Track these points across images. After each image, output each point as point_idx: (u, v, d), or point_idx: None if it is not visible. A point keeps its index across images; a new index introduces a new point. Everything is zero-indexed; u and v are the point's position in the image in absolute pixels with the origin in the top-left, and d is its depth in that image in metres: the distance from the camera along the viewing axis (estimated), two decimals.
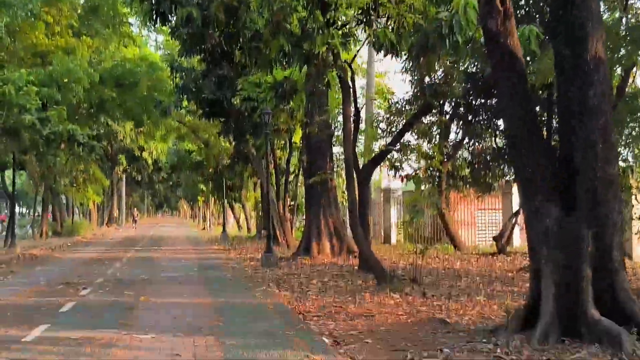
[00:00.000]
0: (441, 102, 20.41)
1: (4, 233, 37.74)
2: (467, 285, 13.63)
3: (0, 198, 52.49)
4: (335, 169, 22.40)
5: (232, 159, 34.57)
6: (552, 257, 7.70)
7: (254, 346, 7.68)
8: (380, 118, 22.97)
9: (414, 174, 16.04)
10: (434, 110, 20.36)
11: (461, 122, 22.74)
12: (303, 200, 30.51)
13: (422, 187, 13.63)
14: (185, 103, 29.26)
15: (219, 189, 40.99)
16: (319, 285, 14.06)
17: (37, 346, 7.81)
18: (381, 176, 35.05)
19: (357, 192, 15.81)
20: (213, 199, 49.72)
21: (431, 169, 23.47)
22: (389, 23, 12.79)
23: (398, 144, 18.36)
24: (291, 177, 30.17)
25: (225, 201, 39.40)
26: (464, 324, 9.39)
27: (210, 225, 52.82)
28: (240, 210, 46.70)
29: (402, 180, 21.51)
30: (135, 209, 56.52)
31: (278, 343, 7.85)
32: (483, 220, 29.99)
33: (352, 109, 14.31)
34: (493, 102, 22.11)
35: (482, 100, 21.79)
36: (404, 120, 20.66)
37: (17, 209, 65.05)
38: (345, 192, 21.77)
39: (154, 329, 8.89)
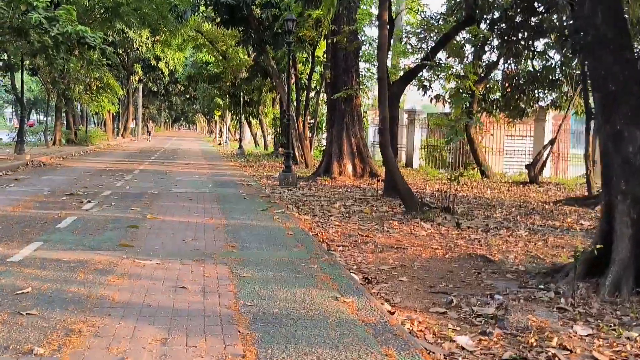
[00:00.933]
0: (480, 16, 18.67)
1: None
2: (503, 217, 12.45)
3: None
4: (360, 86, 20.84)
5: (251, 72, 33.02)
6: (631, 190, 6.42)
7: (272, 280, 6.59)
8: (409, 34, 21.30)
9: (454, 91, 14.56)
10: (470, 27, 18.64)
11: (499, 41, 21.07)
12: (324, 118, 29.21)
13: (460, 107, 12.22)
14: (202, 8, 27.49)
15: (236, 104, 39.62)
16: (342, 209, 12.98)
17: (23, 269, 6.77)
18: (405, 97, 33.33)
19: None
20: (230, 114, 48.39)
21: (462, 90, 22.04)
22: None
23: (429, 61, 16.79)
24: (312, 94, 28.66)
25: (242, 116, 38.06)
26: (510, 264, 8.25)
27: (226, 141, 51.70)
28: (257, 126, 45.44)
29: (431, 101, 20.14)
30: (150, 121, 55.15)
31: (299, 278, 6.76)
32: (511, 147, 28.63)
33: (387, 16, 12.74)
34: (535, 20, 20.41)
35: (525, 17, 20.04)
36: (436, 37, 19.03)
37: (34, 116, 64.42)
38: (367, 113, 20.34)
39: (158, 253, 7.84)
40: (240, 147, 34.99)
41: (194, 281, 6.51)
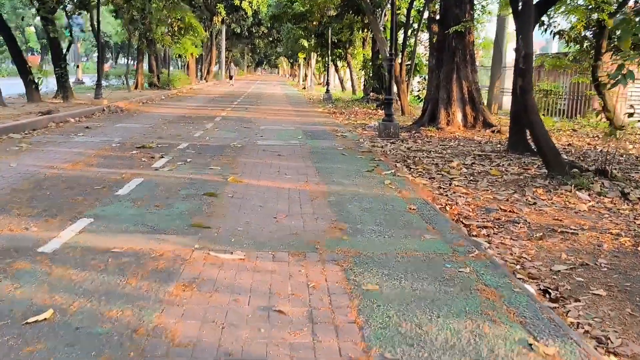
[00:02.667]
0: None
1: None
2: None
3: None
4: (474, 21, 17.85)
5: (341, 9, 30.26)
6: None
7: (413, 300, 4.31)
8: None
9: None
10: None
11: None
12: (423, 60, 26.37)
13: (629, 40, 9.30)
14: None
15: (322, 45, 37.07)
16: (463, 170, 10.51)
17: (54, 267, 4.76)
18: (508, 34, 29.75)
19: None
20: (315, 56, 45.86)
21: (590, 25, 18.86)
22: None
23: None
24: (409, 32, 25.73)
25: (329, 58, 35.48)
26: None
27: (310, 85, 49.42)
28: (345, 69, 42.85)
29: (553, 37, 17.13)
30: (232, 64, 53.18)
31: (453, 297, 4.44)
32: (637, 93, 24.86)
33: None
34: None
35: None
36: None
37: (122, 60, 63.79)
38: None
39: (242, 239, 5.70)
40: (328, 91, 32.60)
41: (294, 297, 4.31)
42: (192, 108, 23.59)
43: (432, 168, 10.52)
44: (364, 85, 33.13)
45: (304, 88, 50.84)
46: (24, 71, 21.38)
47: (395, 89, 24.04)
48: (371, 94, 29.28)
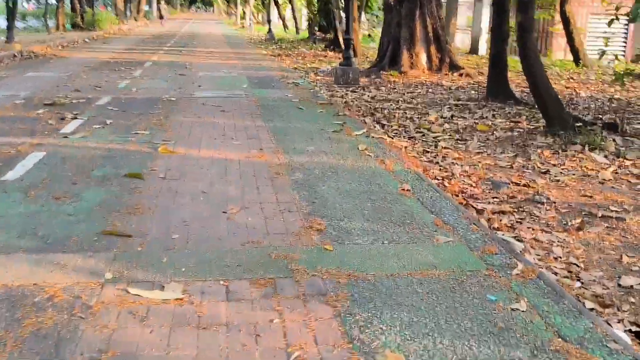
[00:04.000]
0: None
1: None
2: None
3: None
4: None
5: None
6: None
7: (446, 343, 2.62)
8: None
9: None
10: None
11: None
12: None
13: None
14: None
15: None
16: (445, 125, 8.83)
17: None
18: None
19: None
20: None
21: None
22: None
23: None
24: None
25: None
26: None
27: (249, 24, 46.53)
28: (286, 5, 40.21)
29: None
30: (163, 2, 49.19)
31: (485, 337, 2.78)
32: (597, 28, 23.55)
33: None
34: None
35: None
36: None
37: None
38: None
39: (179, 257, 3.85)
40: (270, 31, 30.17)
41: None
42: (119, 52, 20.99)
43: (409, 124, 8.77)
44: (309, 23, 30.84)
45: (243, 27, 47.92)
46: None
47: (337, 24, 22.06)
48: (317, 33, 27.13)
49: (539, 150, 7.29)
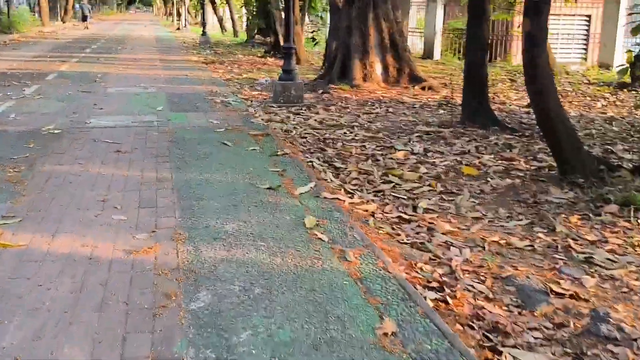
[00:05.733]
0: None
1: None
2: None
3: None
4: None
5: None
6: None
7: None
8: None
9: None
10: None
11: None
12: None
13: None
14: None
15: None
16: (419, 166, 6.58)
17: None
18: None
19: None
20: None
21: None
22: None
23: None
24: None
25: None
26: None
27: (185, 25, 43.60)
28: (224, 6, 37.56)
29: None
30: (86, 1, 45.22)
31: None
32: (555, 29, 21.83)
33: None
34: None
35: None
36: None
37: None
38: None
39: None
40: (204, 33, 27.47)
41: None
42: (25, 59, 18.05)
43: (372, 168, 6.46)
44: (247, 25, 28.33)
45: (178, 29, 44.97)
46: None
47: (278, 27, 19.77)
48: (257, 36, 24.66)
49: (562, 215, 5.09)
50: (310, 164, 6.53)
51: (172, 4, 62.90)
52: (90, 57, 19.45)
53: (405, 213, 5.10)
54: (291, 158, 6.67)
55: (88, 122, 8.46)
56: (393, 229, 4.75)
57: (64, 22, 48.63)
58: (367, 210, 5.11)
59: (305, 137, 7.91)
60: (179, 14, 51.30)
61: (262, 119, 9.01)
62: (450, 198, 5.53)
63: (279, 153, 6.84)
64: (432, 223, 4.89)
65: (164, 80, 13.69)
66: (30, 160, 6.30)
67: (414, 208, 5.24)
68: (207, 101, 10.65)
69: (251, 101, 10.82)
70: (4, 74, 14.09)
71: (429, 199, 5.46)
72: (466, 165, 6.63)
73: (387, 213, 5.10)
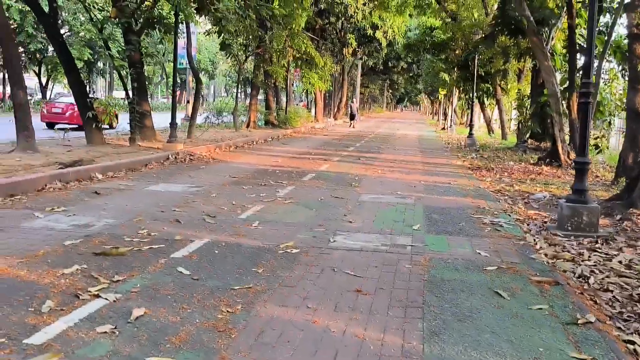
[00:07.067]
0: None
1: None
2: None
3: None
4: None
5: (491, 30, 23.88)
6: None
7: None
8: None
9: None
10: None
11: None
12: (608, 97, 19.44)
13: None
14: None
15: (466, 79, 30.60)
16: None
17: None
18: None
19: None
20: (457, 91, 39.38)
21: None
22: None
23: None
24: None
25: (474, 94, 28.83)
26: None
27: (451, 125, 42.84)
28: (493, 107, 36.04)
29: None
30: (354, 99, 46.70)
31: None
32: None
33: None
34: None
35: None
36: None
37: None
38: None
39: None
40: (471, 135, 26.04)
41: None
42: (290, 156, 18.18)
43: None
44: (518, 128, 26.24)
45: (444, 129, 44.37)
46: (85, 106, 17.08)
47: (557, 133, 17.46)
48: (529, 140, 22.48)
49: None
50: (629, 347, 4.32)
51: (439, 103, 63.30)
52: (351, 156, 19.03)
53: None
54: (598, 332, 4.53)
55: (332, 241, 7.17)
56: None
57: (335, 119, 51.18)
58: None
59: (611, 291, 5.66)
60: (445, 114, 50.99)
61: (546, 254, 6.91)
62: None
63: (579, 321, 4.73)
64: None
65: (423, 188, 12.26)
66: (251, 295, 5.04)
67: None
68: (472, 220, 8.85)
69: (528, 224, 8.77)
70: (264, 172, 13.90)
71: None
72: None
73: None
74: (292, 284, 5.40)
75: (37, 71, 48.10)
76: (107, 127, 22.54)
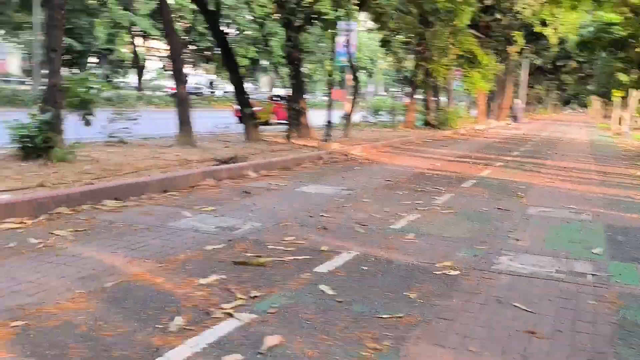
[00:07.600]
0: None
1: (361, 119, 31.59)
2: None
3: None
4: None
5: None
6: None
7: None
8: None
9: None
10: None
11: None
12: None
13: None
14: None
15: None
16: None
17: None
18: None
19: None
20: (636, 94, 35.79)
21: None
22: None
23: None
24: None
25: None
26: None
27: (627, 131, 39.12)
28: None
29: None
30: (518, 100, 43.89)
31: None
32: None
33: None
34: None
35: None
36: None
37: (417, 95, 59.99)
38: None
39: None
40: None
41: None
42: (449, 159, 17.20)
43: None
44: None
45: (618, 134, 40.71)
46: (244, 103, 17.30)
47: None
48: None
49: None
50: None
51: (613, 106, 58.42)
52: (515, 162, 17.62)
53: None
54: None
55: (496, 262, 6.25)
56: None
57: (497, 121, 48.84)
58: None
59: None
60: (620, 118, 46.85)
61: None
62: None
63: None
64: None
65: (601, 201, 10.82)
66: (402, 327, 4.32)
67: None
68: None
69: None
70: (421, 176, 13.10)
71: None
72: None
73: None
74: (450, 317, 4.60)
75: (206, 68, 50.73)
76: (265, 123, 22.82)
